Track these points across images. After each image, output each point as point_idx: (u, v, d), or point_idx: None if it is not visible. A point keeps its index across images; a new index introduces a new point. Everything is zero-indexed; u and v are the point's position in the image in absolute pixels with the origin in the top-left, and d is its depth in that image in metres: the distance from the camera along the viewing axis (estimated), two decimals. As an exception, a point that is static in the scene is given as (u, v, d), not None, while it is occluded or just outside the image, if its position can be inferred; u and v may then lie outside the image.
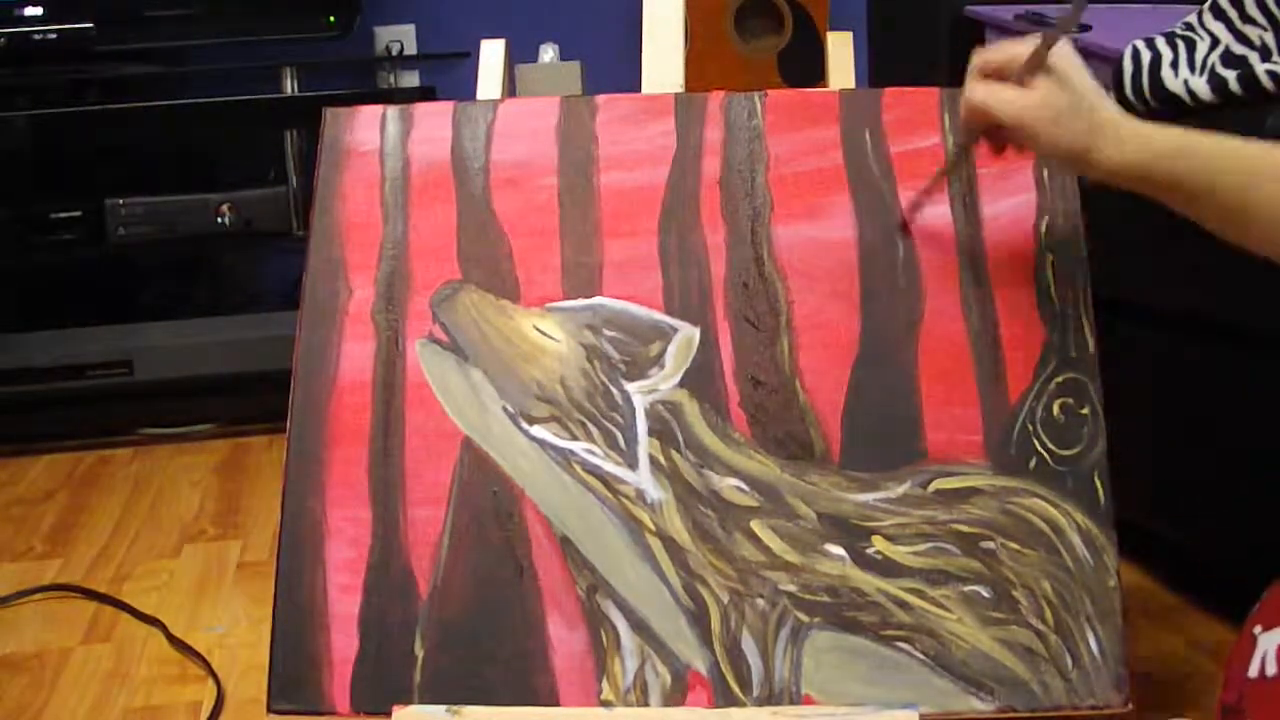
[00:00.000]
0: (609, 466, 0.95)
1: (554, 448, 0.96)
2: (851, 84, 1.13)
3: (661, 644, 0.92)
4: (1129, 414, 0.96)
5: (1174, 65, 1.11)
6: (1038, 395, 0.96)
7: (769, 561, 0.93)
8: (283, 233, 2.03)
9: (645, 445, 0.96)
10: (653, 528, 0.94)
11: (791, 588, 0.92)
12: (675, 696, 0.90)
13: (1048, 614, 0.91)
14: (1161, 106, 1.12)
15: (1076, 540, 0.93)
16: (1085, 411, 0.95)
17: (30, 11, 1.98)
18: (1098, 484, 0.94)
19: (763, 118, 1.03)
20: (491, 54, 1.14)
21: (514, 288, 1.00)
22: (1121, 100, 1.16)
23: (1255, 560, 1.07)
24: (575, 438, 0.96)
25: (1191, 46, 1.12)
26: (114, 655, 1.20)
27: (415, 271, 1.01)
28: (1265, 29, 1.09)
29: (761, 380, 0.97)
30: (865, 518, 0.94)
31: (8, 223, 1.96)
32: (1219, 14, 1.13)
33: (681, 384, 0.97)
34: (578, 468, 0.95)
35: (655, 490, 0.95)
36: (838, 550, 0.93)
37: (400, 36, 2.48)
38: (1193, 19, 1.15)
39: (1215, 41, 1.12)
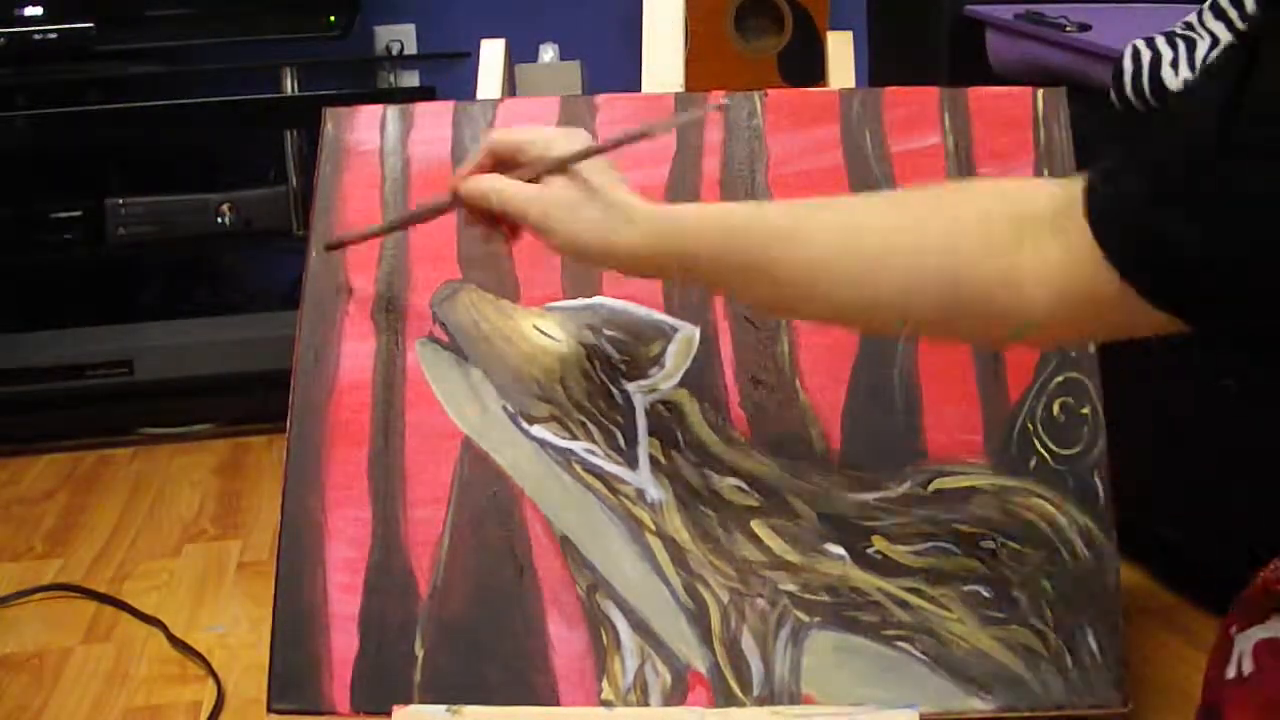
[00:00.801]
0: (609, 466, 0.95)
1: (554, 447, 0.96)
2: (851, 84, 1.14)
3: (661, 644, 0.92)
4: (1129, 414, 0.96)
5: (1174, 65, 1.11)
6: (1038, 395, 0.96)
7: (769, 561, 0.93)
8: (283, 233, 2.02)
9: (645, 445, 0.96)
10: (653, 527, 0.94)
11: (791, 587, 0.92)
12: (675, 696, 0.90)
13: (1048, 614, 0.91)
14: (1162, 106, 1.12)
15: (1076, 540, 0.93)
16: (1085, 411, 0.95)
17: (30, 11, 1.98)
18: (1098, 484, 0.94)
19: (763, 117, 1.03)
20: (491, 54, 1.15)
21: (514, 287, 1.00)
22: (1121, 100, 1.16)
23: (1255, 560, 1.07)
24: (575, 437, 0.96)
25: (1191, 46, 1.12)
26: (114, 655, 1.20)
27: (415, 271, 1.01)
28: (1265, 29, 1.09)
29: (761, 380, 0.97)
30: (865, 517, 0.94)
31: (8, 223, 1.96)
32: (1219, 14, 1.13)
33: (681, 384, 0.97)
34: (578, 467, 0.95)
35: (655, 490, 0.95)
36: (838, 550, 0.93)
37: (400, 36, 2.48)
38: (1193, 18, 1.15)
39: (1215, 41, 1.12)
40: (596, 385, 0.97)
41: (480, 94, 1.13)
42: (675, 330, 0.99)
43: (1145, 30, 1.17)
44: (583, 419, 0.96)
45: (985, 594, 0.92)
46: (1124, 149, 0.62)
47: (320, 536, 0.95)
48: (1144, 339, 0.62)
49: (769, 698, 0.90)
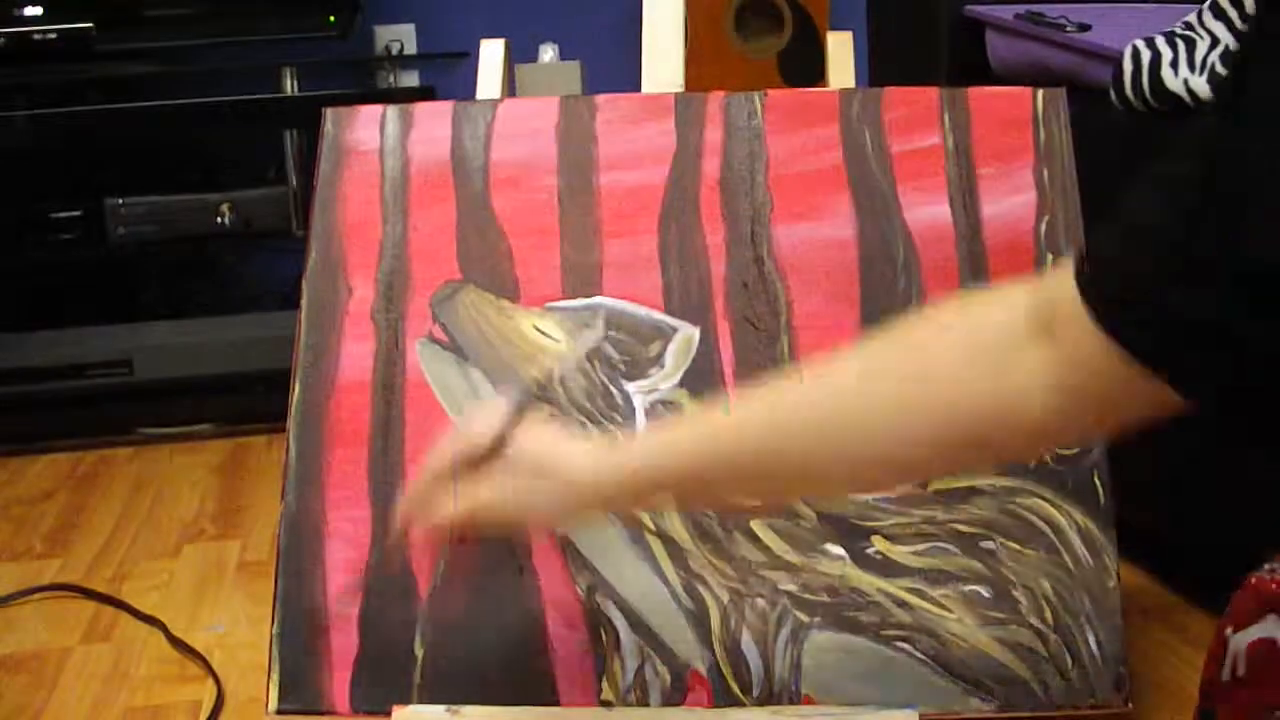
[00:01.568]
0: (609, 466, 0.95)
1: (554, 448, 0.96)
2: (851, 84, 1.14)
3: (661, 644, 0.92)
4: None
5: (1174, 65, 1.11)
6: (1038, 395, 0.96)
7: (769, 561, 0.93)
8: (283, 233, 2.03)
9: (645, 445, 0.95)
10: (652, 528, 0.94)
11: (791, 588, 0.92)
12: (675, 696, 0.90)
13: (1048, 614, 0.91)
14: (1162, 106, 1.12)
15: (1076, 540, 0.93)
16: (1085, 411, 0.95)
17: (30, 11, 1.98)
18: (1098, 484, 0.94)
19: (763, 118, 1.03)
20: (491, 54, 1.15)
21: (514, 287, 1.00)
22: (1121, 100, 1.16)
23: (1255, 560, 1.07)
24: (575, 438, 0.96)
25: (1191, 46, 1.12)
26: (114, 655, 1.20)
27: (415, 271, 1.01)
28: (1265, 29, 1.09)
29: (762, 380, 0.97)
30: (865, 517, 0.94)
31: (8, 223, 1.96)
32: (1219, 14, 1.13)
33: (681, 384, 0.97)
34: (578, 468, 0.95)
35: (655, 490, 0.95)
36: (838, 550, 0.93)
37: (400, 36, 2.48)
38: (1193, 19, 1.15)
39: (1215, 41, 1.12)
40: (596, 385, 0.97)
41: (480, 94, 1.13)
42: (675, 330, 0.99)
43: (1145, 30, 1.17)
44: (582, 419, 0.96)
45: (985, 594, 0.92)
46: (1112, 230, 0.59)
47: (320, 536, 0.95)
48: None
49: (769, 698, 0.90)
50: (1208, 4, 1.14)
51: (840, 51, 1.17)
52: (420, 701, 0.91)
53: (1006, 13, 1.39)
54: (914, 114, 1.02)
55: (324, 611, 0.93)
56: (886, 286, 0.99)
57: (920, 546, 0.93)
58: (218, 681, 1.11)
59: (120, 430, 1.91)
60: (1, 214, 1.96)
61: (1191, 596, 1.21)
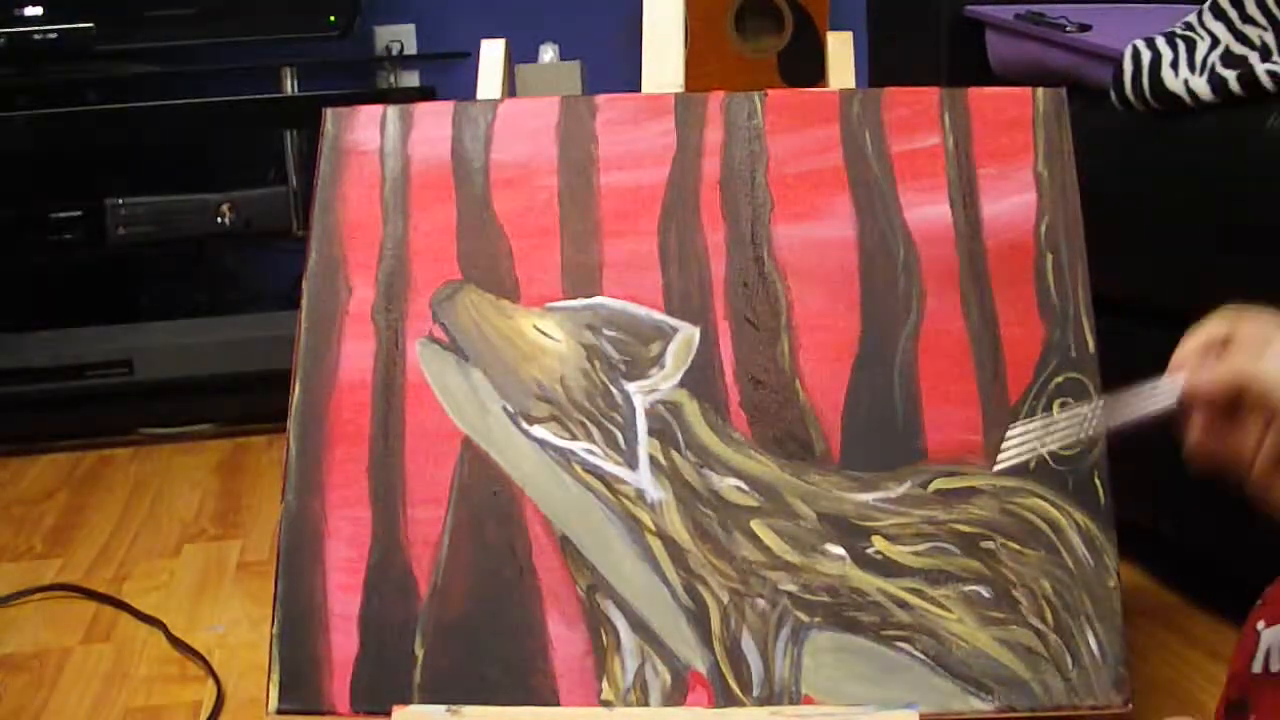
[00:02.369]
0: (609, 466, 0.95)
1: (554, 448, 0.96)
2: (851, 84, 1.14)
3: (661, 644, 0.92)
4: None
5: (1174, 65, 1.11)
6: (1038, 395, 0.96)
7: (769, 561, 0.93)
8: (283, 233, 2.03)
9: (645, 445, 0.96)
10: (653, 528, 0.94)
11: (791, 588, 0.92)
12: (675, 696, 0.90)
13: (1048, 614, 0.91)
14: (1162, 106, 1.12)
15: (1076, 540, 0.93)
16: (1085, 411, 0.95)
17: (30, 11, 1.98)
18: (1098, 484, 0.94)
19: (763, 118, 1.03)
20: (491, 54, 1.14)
21: (514, 288, 1.00)
22: (1121, 100, 1.16)
23: (1255, 560, 1.07)
24: (575, 438, 0.96)
25: (1191, 46, 1.12)
26: (114, 655, 1.20)
27: (415, 271, 1.01)
28: (1265, 29, 1.09)
29: (761, 380, 0.97)
30: (865, 517, 0.94)
31: (8, 223, 1.96)
32: (1219, 14, 1.13)
33: (681, 384, 0.97)
34: (578, 468, 0.95)
35: (655, 490, 0.95)
36: (838, 550, 0.93)
37: (400, 36, 2.48)
38: (1193, 19, 1.15)
39: (1215, 41, 1.12)
40: (596, 385, 0.97)
41: (480, 94, 1.13)
42: (675, 330, 0.99)
43: (1145, 30, 1.17)
44: (583, 419, 0.96)
45: (985, 594, 0.92)
46: None
47: (320, 536, 0.95)
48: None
49: (769, 698, 0.90)
50: (1208, 4, 1.14)
51: (840, 51, 1.17)
52: (420, 701, 0.91)
53: (1006, 13, 1.39)
54: (914, 114, 1.02)
55: (324, 611, 0.93)
56: (886, 286, 0.99)
57: (920, 546, 0.93)
58: (218, 681, 1.11)
59: (120, 430, 1.91)
60: (1, 214, 1.96)
61: (1191, 596, 1.21)
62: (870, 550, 0.93)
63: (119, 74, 2.09)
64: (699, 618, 0.92)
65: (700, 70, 2.47)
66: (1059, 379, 0.96)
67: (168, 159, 2.17)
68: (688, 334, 0.98)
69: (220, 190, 2.01)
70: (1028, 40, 1.35)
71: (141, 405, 1.91)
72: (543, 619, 0.92)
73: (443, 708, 0.90)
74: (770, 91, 1.04)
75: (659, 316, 0.99)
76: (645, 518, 0.94)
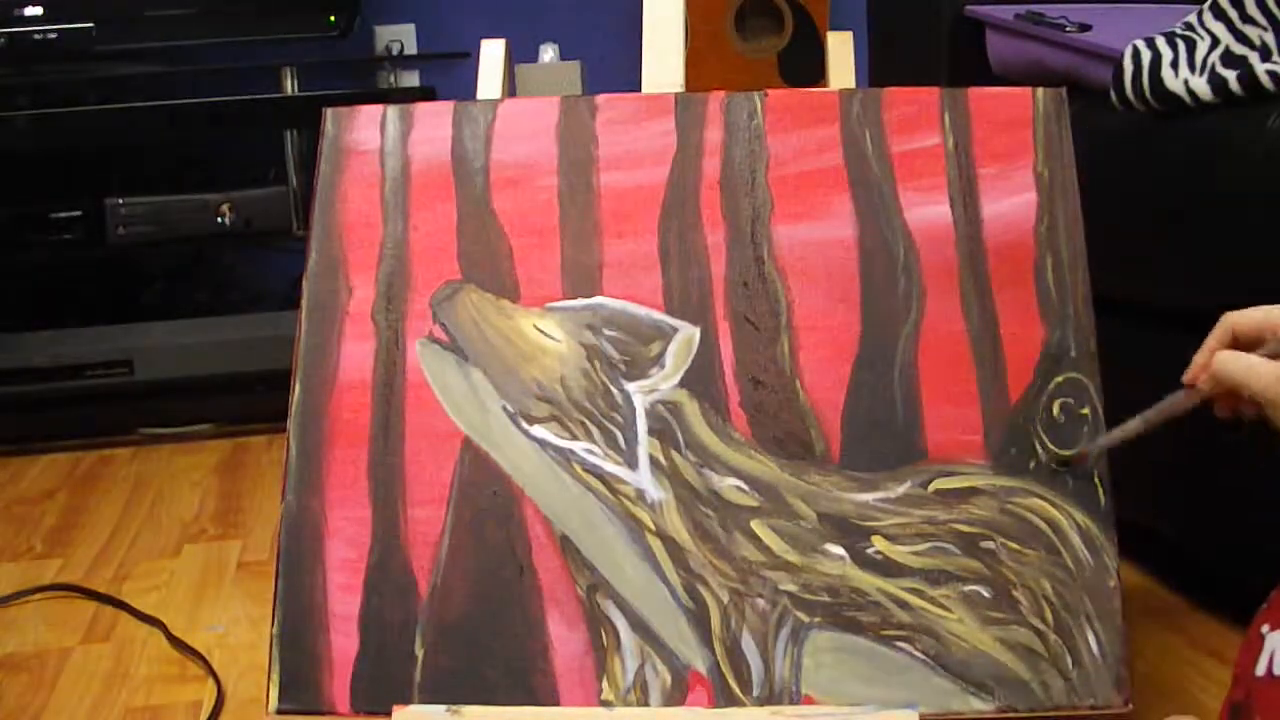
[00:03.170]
0: (609, 466, 0.95)
1: (554, 448, 0.96)
2: (851, 84, 1.14)
3: (661, 644, 0.92)
4: (1129, 414, 0.96)
5: (1174, 65, 1.11)
6: (1038, 395, 0.96)
7: (769, 561, 0.93)
8: (283, 233, 2.03)
9: (645, 445, 0.96)
10: (653, 528, 0.94)
11: (791, 588, 0.92)
12: (675, 696, 0.90)
13: (1048, 614, 0.91)
14: (1162, 106, 1.12)
15: (1076, 540, 0.93)
16: (1085, 411, 0.95)
17: (30, 11, 1.98)
18: (1098, 484, 0.94)
19: (763, 118, 1.03)
20: (491, 54, 1.15)
21: (514, 288, 1.00)
22: (1121, 100, 1.16)
23: (1255, 560, 1.07)
24: (575, 437, 0.96)
25: (1191, 46, 1.12)
26: (114, 655, 1.20)
27: (415, 271, 1.01)
28: (1265, 29, 1.09)
29: (761, 380, 0.97)
30: (865, 517, 0.94)
31: (8, 223, 1.96)
32: (1219, 14, 1.13)
33: (681, 384, 0.97)
34: (578, 468, 0.95)
35: (655, 490, 0.95)
36: (838, 550, 0.93)
37: (400, 36, 2.48)
38: (1193, 19, 1.15)
39: (1215, 41, 1.12)
40: (596, 385, 0.97)
41: (480, 94, 1.13)
42: (675, 330, 0.99)
43: (1145, 30, 1.17)
44: (583, 419, 0.96)
45: (985, 594, 0.92)
46: None
47: (320, 536, 0.95)
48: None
49: (769, 698, 0.90)
50: (1208, 4, 1.14)
51: (840, 51, 1.17)
52: (420, 701, 0.91)
53: (1006, 13, 1.39)
54: (914, 114, 1.03)
55: (324, 611, 0.93)
56: (886, 286, 0.99)
57: (920, 546, 0.93)
58: (218, 681, 1.12)
59: (120, 430, 1.91)
60: (1, 214, 1.96)
61: (1192, 596, 1.21)
62: (870, 550, 0.93)
63: (119, 74, 2.09)
64: (699, 618, 0.92)
65: (700, 70, 2.47)
66: (1059, 379, 0.96)
67: (168, 159, 2.17)
68: (688, 334, 0.98)
69: (220, 190, 2.01)
70: (1028, 40, 1.35)
71: (141, 405, 1.91)
72: (543, 619, 0.92)
73: (443, 708, 0.90)
74: (770, 91, 1.04)
75: (659, 316, 0.99)
76: (645, 518, 0.94)
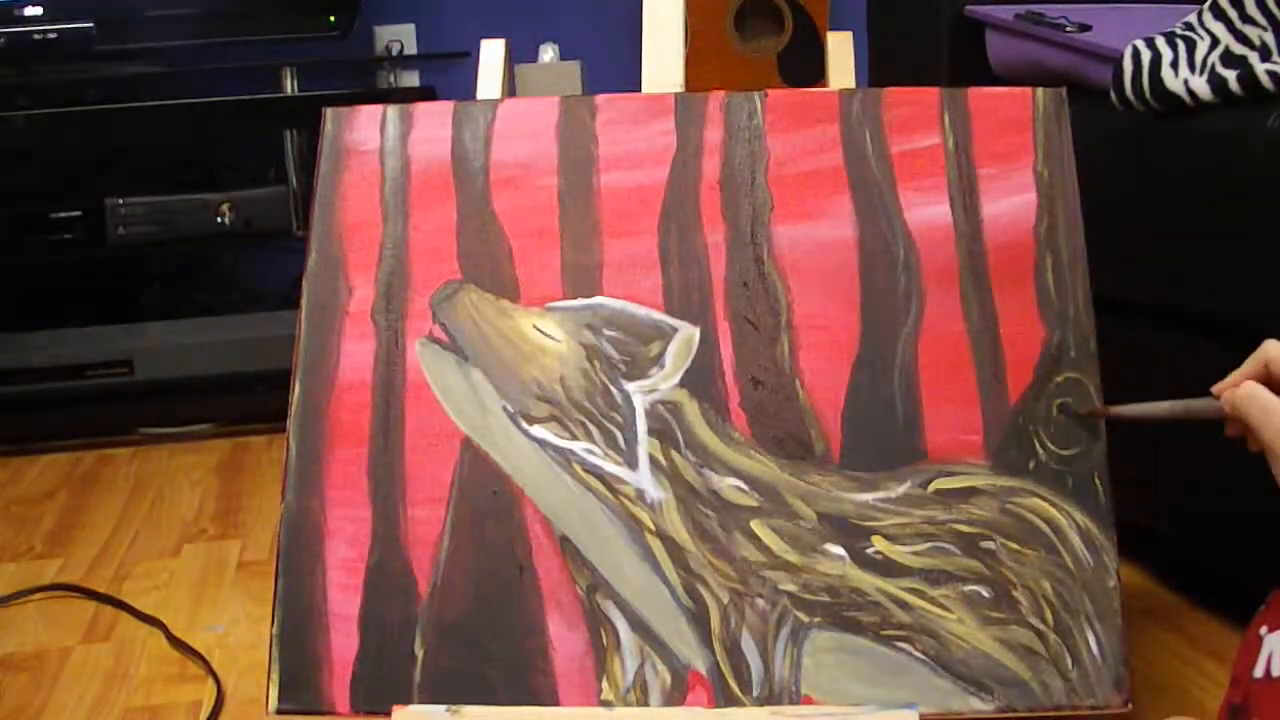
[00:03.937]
0: (609, 466, 0.95)
1: (554, 448, 0.96)
2: (851, 84, 1.14)
3: (661, 644, 0.92)
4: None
5: (1174, 65, 1.11)
6: (1038, 395, 0.96)
7: (769, 561, 0.93)
8: (283, 233, 2.03)
9: (645, 445, 0.96)
10: (653, 528, 0.94)
11: (791, 588, 0.92)
12: (675, 696, 0.90)
13: (1048, 614, 0.91)
14: (1162, 106, 1.12)
15: (1076, 540, 0.93)
16: (1085, 412, 0.95)
17: (30, 11, 1.98)
18: (1098, 484, 0.94)
19: (763, 118, 1.03)
20: (491, 54, 1.15)
21: (514, 288, 1.00)
22: (1121, 100, 1.16)
23: (1255, 560, 1.07)
24: (575, 437, 0.96)
25: (1191, 46, 1.12)
26: (114, 655, 1.20)
27: (415, 271, 1.01)
28: (1265, 29, 1.09)
29: (761, 380, 0.97)
30: (865, 517, 0.94)
31: (8, 223, 1.96)
32: (1219, 14, 1.13)
33: (681, 384, 0.97)
34: (578, 468, 0.95)
35: (655, 490, 0.95)
36: (838, 550, 0.93)
37: (400, 36, 2.48)
38: (1193, 19, 1.15)
39: (1215, 41, 1.12)
40: (596, 385, 0.97)
41: (480, 94, 1.13)
42: (675, 330, 0.99)
43: (1145, 30, 1.17)
44: (583, 419, 0.96)
45: (985, 594, 0.92)
46: None
47: (320, 536, 0.95)
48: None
49: (769, 698, 0.90)
50: (1208, 4, 1.14)
51: (840, 51, 1.17)
52: (420, 701, 0.91)
53: (1006, 13, 1.39)
54: (914, 114, 1.03)
55: (324, 611, 0.93)
56: (886, 286, 0.99)
57: (920, 546, 0.93)
58: (218, 681, 1.12)
59: (120, 430, 1.91)
60: (1, 214, 1.96)
61: (1192, 596, 1.21)
62: (870, 550, 0.93)
63: (119, 74, 2.09)
64: (699, 618, 0.92)
65: (700, 70, 2.47)
66: (1059, 379, 0.96)
67: (168, 159, 2.17)
68: (688, 334, 0.98)
69: (220, 190, 2.01)
70: (1028, 40, 1.35)
71: (141, 405, 1.91)
72: (543, 619, 0.92)
73: (443, 708, 0.90)
74: (770, 91, 1.04)
75: (659, 316, 0.99)
76: (645, 518, 0.94)
